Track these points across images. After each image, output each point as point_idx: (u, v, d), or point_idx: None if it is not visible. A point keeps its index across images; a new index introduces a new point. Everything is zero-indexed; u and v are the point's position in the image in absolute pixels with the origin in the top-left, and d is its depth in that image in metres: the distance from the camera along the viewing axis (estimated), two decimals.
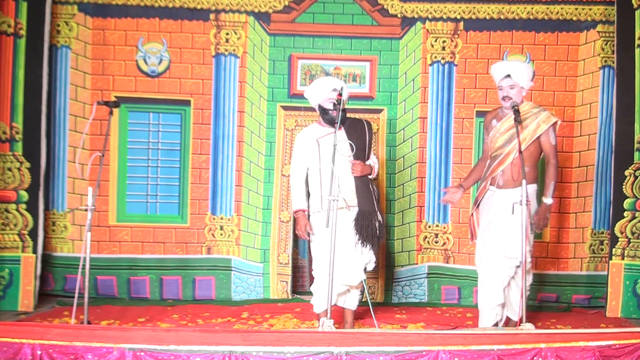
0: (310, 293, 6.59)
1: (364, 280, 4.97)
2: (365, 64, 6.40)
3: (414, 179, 6.37)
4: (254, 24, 6.37)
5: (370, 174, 5.03)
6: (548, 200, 4.83)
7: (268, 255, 6.34)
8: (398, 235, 6.41)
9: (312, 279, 6.88)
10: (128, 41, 6.36)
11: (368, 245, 4.89)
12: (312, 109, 6.29)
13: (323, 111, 4.93)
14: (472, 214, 5.12)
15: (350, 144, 4.86)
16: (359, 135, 4.98)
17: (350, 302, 5.10)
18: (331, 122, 4.84)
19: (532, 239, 4.90)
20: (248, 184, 6.39)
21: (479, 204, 5.05)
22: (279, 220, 6.36)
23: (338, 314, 5.18)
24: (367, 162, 5.00)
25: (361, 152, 4.92)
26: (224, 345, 3.93)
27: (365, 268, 4.99)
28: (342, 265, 4.79)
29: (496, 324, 4.93)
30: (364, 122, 5.11)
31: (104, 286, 6.22)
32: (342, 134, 4.88)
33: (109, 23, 6.33)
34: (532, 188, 4.88)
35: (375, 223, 4.89)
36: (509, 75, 4.85)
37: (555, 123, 4.92)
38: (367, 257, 4.95)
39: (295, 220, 5.02)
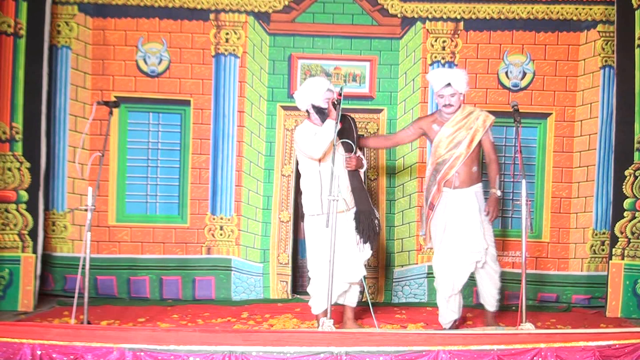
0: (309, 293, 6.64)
1: (364, 277, 5.01)
2: (365, 64, 6.40)
3: (414, 179, 6.36)
4: (253, 23, 6.37)
5: (362, 167, 5.12)
6: (497, 192, 5.04)
7: (268, 255, 6.34)
8: (398, 235, 6.41)
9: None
10: (128, 41, 6.36)
11: (369, 243, 5.00)
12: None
13: (319, 111, 4.94)
14: (429, 218, 5.18)
15: (350, 143, 4.88)
16: (349, 131, 5.04)
17: (351, 299, 5.14)
18: (324, 120, 4.91)
19: (492, 232, 5.13)
20: (248, 184, 6.39)
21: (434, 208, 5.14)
22: (278, 220, 6.36)
23: (338, 314, 5.18)
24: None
25: (352, 147, 5.00)
26: (224, 345, 3.93)
27: (365, 264, 5.12)
28: (344, 263, 4.86)
29: (455, 321, 5.14)
30: (349, 118, 5.17)
31: (104, 286, 6.23)
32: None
33: (109, 23, 6.33)
34: (479, 187, 5.09)
35: (375, 221, 5.00)
36: (449, 84, 4.97)
37: (492, 122, 5.14)
38: (367, 254, 5.04)
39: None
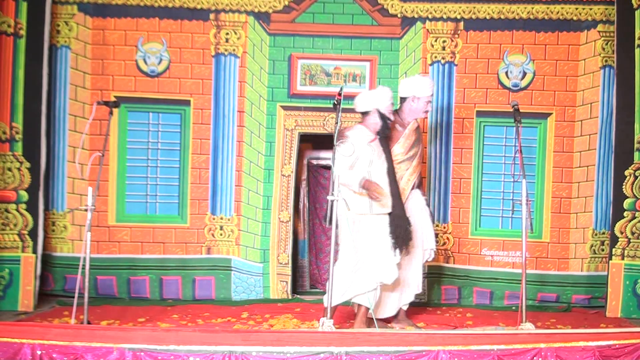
0: (309, 293, 6.65)
1: None
2: (365, 63, 6.40)
3: None
4: (254, 23, 6.37)
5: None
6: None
7: (268, 255, 6.34)
8: None
9: (312, 279, 6.95)
10: (128, 41, 6.35)
11: (399, 249, 4.96)
12: (312, 109, 6.36)
13: (382, 117, 4.99)
14: None
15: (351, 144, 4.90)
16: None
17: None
18: (383, 130, 5.01)
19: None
20: (248, 184, 6.38)
21: None
22: (278, 220, 6.36)
23: (339, 315, 5.18)
24: None
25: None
26: (224, 345, 3.93)
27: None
28: (377, 263, 4.86)
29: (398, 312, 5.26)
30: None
31: (103, 286, 6.22)
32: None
33: (108, 23, 6.33)
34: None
35: (409, 228, 5.00)
36: (432, 94, 5.30)
37: None
38: (397, 259, 5.00)
39: (367, 186, 4.83)
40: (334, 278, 4.70)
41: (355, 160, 4.87)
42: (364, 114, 5.04)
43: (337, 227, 4.73)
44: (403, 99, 5.23)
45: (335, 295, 4.73)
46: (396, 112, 5.20)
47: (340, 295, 4.83)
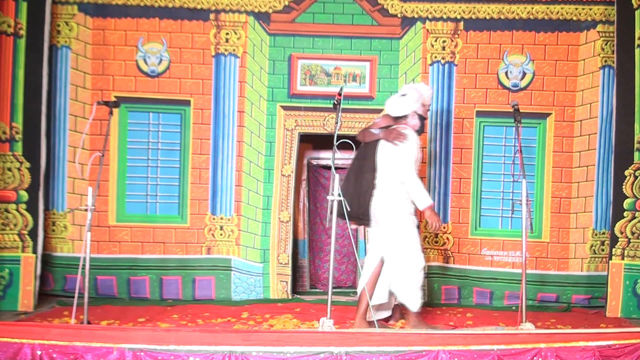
0: (309, 293, 6.65)
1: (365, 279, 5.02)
2: (365, 64, 6.40)
3: None
4: (254, 24, 6.37)
5: None
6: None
7: (268, 255, 6.34)
8: None
9: (312, 279, 6.96)
10: (128, 41, 6.36)
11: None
12: (312, 109, 6.36)
13: (421, 118, 5.15)
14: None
15: (350, 142, 4.90)
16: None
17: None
18: (422, 129, 5.18)
19: None
20: (248, 184, 6.39)
21: None
22: (278, 220, 6.36)
23: (337, 315, 5.18)
24: None
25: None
26: (224, 345, 3.93)
27: None
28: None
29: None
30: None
31: (104, 286, 6.22)
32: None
33: (109, 23, 6.33)
34: None
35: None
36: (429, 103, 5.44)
37: None
38: None
39: (429, 213, 4.97)
40: (406, 282, 4.90)
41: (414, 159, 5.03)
42: (401, 117, 5.11)
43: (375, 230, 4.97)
44: (402, 117, 5.24)
45: (414, 298, 4.92)
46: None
47: (419, 297, 4.99)
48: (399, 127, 5.07)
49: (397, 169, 4.95)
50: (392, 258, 4.97)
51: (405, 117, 5.11)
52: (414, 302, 4.94)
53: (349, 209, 4.66)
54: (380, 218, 4.97)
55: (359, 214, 4.98)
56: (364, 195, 4.99)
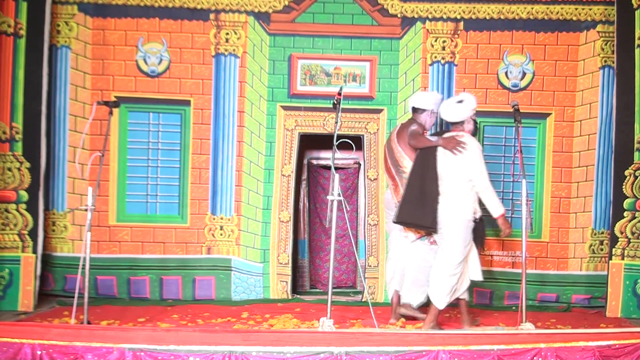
0: (309, 293, 6.66)
1: (364, 277, 5.02)
2: (365, 64, 6.40)
3: None
4: (254, 24, 6.37)
5: None
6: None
7: (268, 255, 6.34)
8: None
9: (312, 279, 6.96)
10: (128, 41, 6.36)
11: (482, 247, 5.30)
12: (312, 109, 6.37)
13: (475, 122, 5.18)
14: None
15: (350, 142, 4.90)
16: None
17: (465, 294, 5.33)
18: (475, 132, 5.23)
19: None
20: (248, 184, 6.39)
21: None
22: (278, 220, 6.36)
23: (337, 315, 5.18)
24: None
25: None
26: (224, 345, 3.94)
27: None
28: (473, 263, 5.14)
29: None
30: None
31: (104, 286, 6.22)
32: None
33: (109, 23, 6.33)
34: None
35: (484, 229, 5.21)
36: None
37: None
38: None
39: (502, 221, 5.02)
40: (445, 281, 4.94)
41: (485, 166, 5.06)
42: (457, 123, 5.12)
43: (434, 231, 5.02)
44: (420, 110, 5.36)
45: (441, 296, 4.94)
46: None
47: (446, 295, 4.97)
48: (457, 135, 5.07)
49: (467, 177, 4.95)
50: (447, 255, 4.98)
51: (461, 122, 5.11)
52: (441, 300, 4.96)
53: (348, 209, 4.65)
54: (444, 224, 4.98)
55: (427, 222, 5.01)
56: (430, 204, 4.99)
